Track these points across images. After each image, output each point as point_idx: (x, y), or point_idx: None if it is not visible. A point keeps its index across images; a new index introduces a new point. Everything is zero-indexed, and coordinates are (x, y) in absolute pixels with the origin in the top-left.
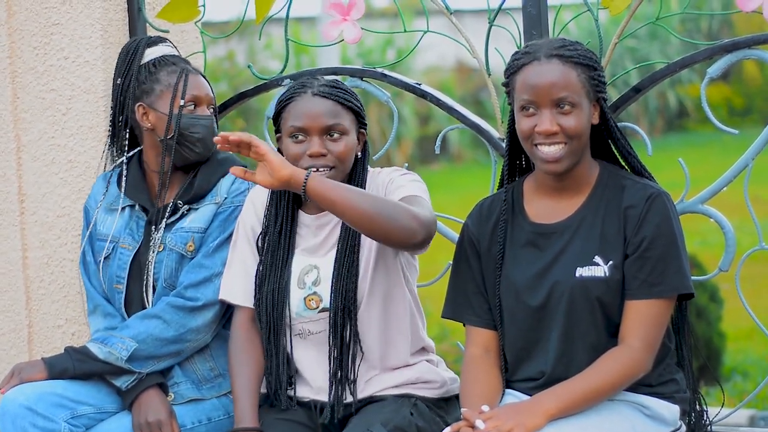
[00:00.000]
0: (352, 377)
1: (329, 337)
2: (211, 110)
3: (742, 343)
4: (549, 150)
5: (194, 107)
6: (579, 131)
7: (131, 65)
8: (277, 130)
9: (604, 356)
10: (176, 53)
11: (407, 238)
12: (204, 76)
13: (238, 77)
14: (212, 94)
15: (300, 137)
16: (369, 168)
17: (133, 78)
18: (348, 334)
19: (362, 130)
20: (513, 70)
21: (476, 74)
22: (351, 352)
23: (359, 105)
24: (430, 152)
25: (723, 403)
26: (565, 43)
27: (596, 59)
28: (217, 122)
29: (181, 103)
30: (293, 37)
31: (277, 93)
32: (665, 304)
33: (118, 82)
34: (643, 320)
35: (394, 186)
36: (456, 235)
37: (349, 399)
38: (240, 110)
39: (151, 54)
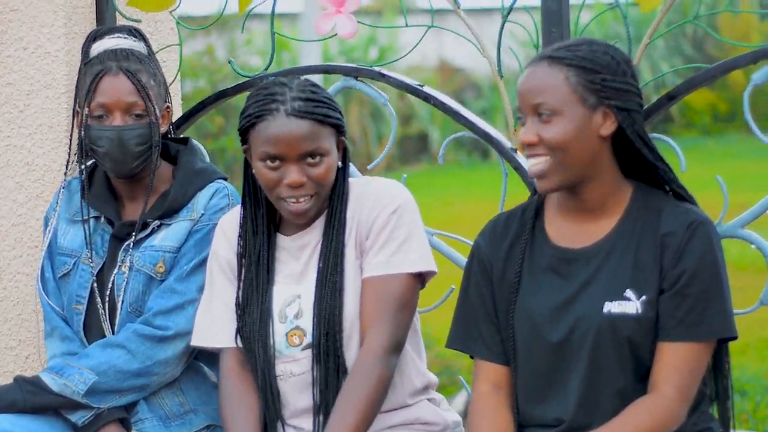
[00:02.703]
0: None
1: (312, 370)
2: (137, 116)
3: (737, 358)
4: (530, 163)
5: (104, 115)
6: (562, 142)
7: (81, 62)
8: (244, 142)
9: (633, 406)
10: (126, 46)
11: None
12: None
13: (218, 73)
14: (137, 98)
15: (274, 161)
16: (356, 173)
17: (78, 78)
18: (333, 370)
19: (341, 138)
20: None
21: (460, 74)
22: (337, 387)
23: (339, 116)
24: (411, 153)
25: None
26: (573, 42)
27: (605, 62)
28: (155, 129)
29: (86, 111)
30: (272, 35)
31: None
32: (704, 348)
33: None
34: (678, 365)
35: (374, 250)
36: (457, 255)
37: None
38: (219, 108)
39: (95, 49)
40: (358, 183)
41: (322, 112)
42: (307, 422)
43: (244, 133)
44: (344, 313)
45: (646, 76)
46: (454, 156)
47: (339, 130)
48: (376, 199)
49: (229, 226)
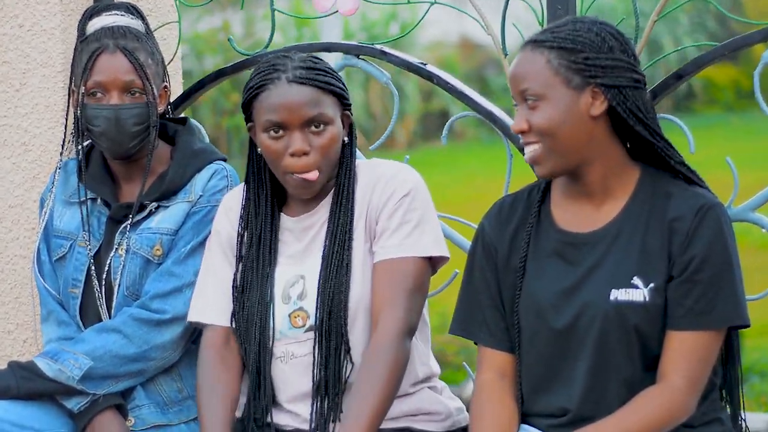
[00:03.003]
0: (339, 403)
1: (314, 351)
2: (134, 95)
3: (757, 340)
4: (526, 151)
5: (100, 94)
6: (550, 127)
7: (77, 40)
8: (248, 119)
9: (641, 396)
10: (123, 23)
11: None
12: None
13: (234, 50)
14: (135, 77)
15: (277, 131)
16: (361, 156)
17: (74, 56)
18: (334, 349)
19: (347, 112)
20: None
21: (480, 51)
22: (338, 373)
23: (342, 86)
24: (433, 130)
25: None
26: (558, 24)
27: (588, 40)
28: (153, 108)
29: (82, 90)
30: (293, 11)
31: None
32: (714, 337)
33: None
34: (687, 355)
35: (387, 234)
36: (461, 238)
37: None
38: (234, 82)
39: (91, 27)
40: (366, 165)
41: (323, 79)
42: (304, 407)
43: (248, 108)
44: (350, 293)
45: (667, 51)
46: (476, 133)
47: (343, 102)
48: (387, 182)
49: (232, 204)
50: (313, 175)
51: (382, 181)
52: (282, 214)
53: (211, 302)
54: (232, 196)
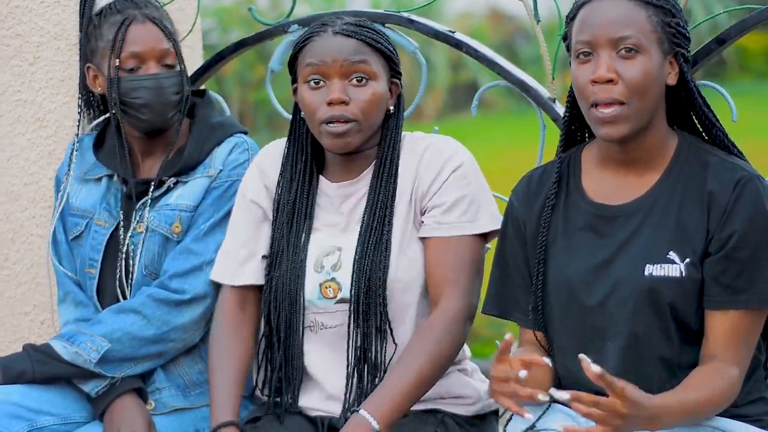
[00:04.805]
0: (374, 384)
1: (348, 327)
2: (167, 66)
3: None
4: (601, 112)
5: (137, 66)
6: (642, 84)
7: (83, 16)
8: (294, 80)
9: (710, 371)
10: None
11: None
12: (159, 24)
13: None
14: (169, 45)
15: (318, 81)
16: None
17: (83, 34)
18: (375, 329)
19: (395, 80)
20: (571, 14)
21: (510, 21)
22: (378, 355)
23: (391, 48)
24: (461, 102)
25: None
26: None
27: (676, 5)
28: (186, 78)
29: (117, 63)
30: None
31: (281, 42)
32: (755, 316)
33: (79, 37)
34: (731, 335)
35: (441, 209)
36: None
37: None
38: (259, 55)
39: (102, 1)
40: (411, 138)
41: (370, 35)
42: (334, 380)
43: (293, 65)
44: (389, 271)
45: (698, 18)
46: (506, 104)
47: (391, 65)
48: (433, 156)
49: (268, 164)
50: (346, 126)
51: (429, 153)
52: (321, 177)
53: (230, 263)
54: (268, 155)
